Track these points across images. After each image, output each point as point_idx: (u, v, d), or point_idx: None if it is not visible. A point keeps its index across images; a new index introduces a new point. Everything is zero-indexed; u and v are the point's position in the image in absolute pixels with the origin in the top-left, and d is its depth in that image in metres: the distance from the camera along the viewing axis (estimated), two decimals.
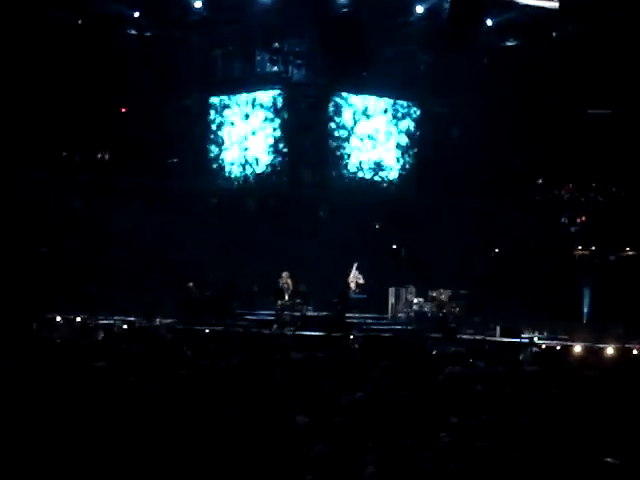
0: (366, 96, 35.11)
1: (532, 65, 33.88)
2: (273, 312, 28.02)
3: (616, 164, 32.99)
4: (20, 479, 10.23)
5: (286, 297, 28.24)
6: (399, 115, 35.71)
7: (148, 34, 34.14)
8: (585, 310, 29.26)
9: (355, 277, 28.77)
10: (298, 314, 27.81)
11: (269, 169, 34.78)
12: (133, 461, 10.84)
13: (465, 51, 32.34)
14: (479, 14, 29.78)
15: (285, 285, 28.51)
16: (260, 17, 32.34)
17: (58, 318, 25.55)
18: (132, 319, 26.05)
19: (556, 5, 31.28)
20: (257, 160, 34.94)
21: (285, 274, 28.50)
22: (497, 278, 30.12)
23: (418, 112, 35.94)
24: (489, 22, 31.95)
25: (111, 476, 10.46)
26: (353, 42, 29.84)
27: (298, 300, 28.35)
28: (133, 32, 34.09)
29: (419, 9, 31.44)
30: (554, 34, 32.93)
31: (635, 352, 23.21)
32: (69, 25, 32.98)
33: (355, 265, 28.93)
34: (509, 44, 34.19)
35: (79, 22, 33.09)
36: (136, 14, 33.11)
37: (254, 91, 34.88)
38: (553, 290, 28.89)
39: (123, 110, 35.25)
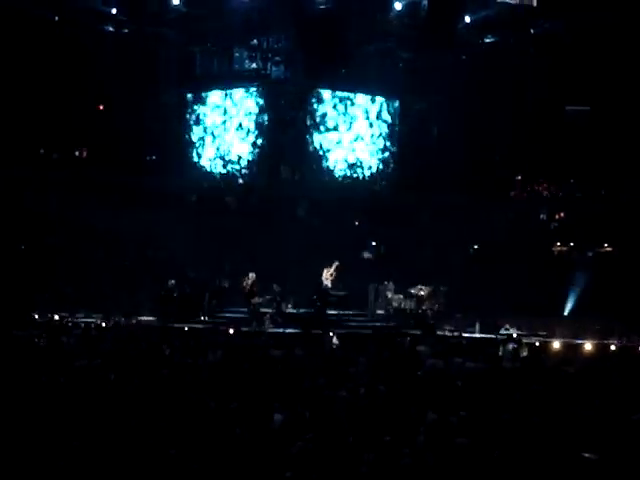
0: (345, 93, 35.13)
1: (510, 62, 33.98)
2: (248, 310, 27.87)
3: (594, 160, 33.12)
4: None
5: (256, 297, 27.95)
6: (378, 112, 35.76)
7: (125, 31, 33.99)
8: (564, 306, 29.37)
9: (329, 274, 28.48)
10: (273, 311, 27.68)
11: (248, 166, 34.76)
12: (114, 458, 10.85)
13: (444, 48, 32.39)
14: (457, 11, 29.89)
15: (248, 286, 28.14)
16: (239, 14, 32.29)
17: (36, 316, 25.46)
18: (110, 317, 25.98)
19: (534, 2, 31.47)
20: (236, 157, 34.90)
21: (251, 275, 28.08)
22: (476, 274, 30.18)
23: (397, 108, 36.02)
24: (467, 19, 32.02)
25: (94, 473, 10.47)
26: (332, 39, 29.90)
27: (268, 297, 28.17)
28: (110, 29, 33.93)
29: (398, 6, 31.48)
30: (532, 31, 33.01)
31: (613, 348, 23.39)
32: (46, 21, 32.82)
33: (336, 264, 28.74)
34: (487, 41, 34.29)
35: (56, 18, 32.90)
36: (113, 10, 32.93)
37: (233, 88, 34.85)
38: (532, 286, 28.98)
39: (101, 107, 35.06)
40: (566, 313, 29.33)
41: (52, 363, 16.58)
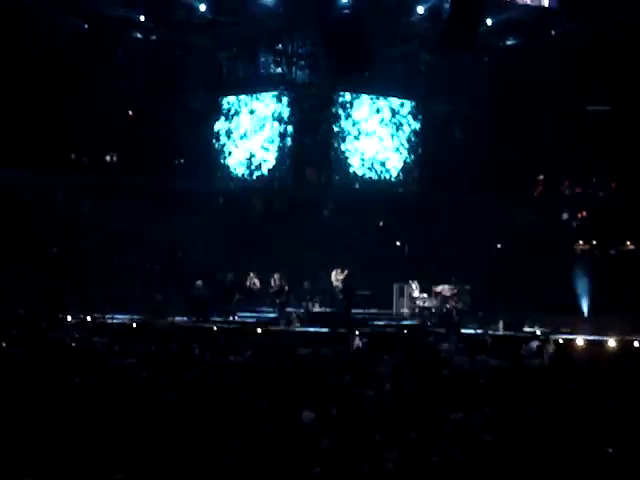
0: (369, 96, 35.52)
1: (532, 63, 34.20)
2: (277, 309, 28.28)
3: (616, 160, 33.27)
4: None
5: (283, 297, 28.34)
6: (401, 114, 36.15)
7: (154, 37, 34.48)
8: (587, 304, 29.43)
9: (338, 277, 28.67)
10: (300, 311, 28.07)
11: (274, 169, 35.19)
12: (147, 455, 11.18)
13: (466, 50, 32.60)
14: (479, 14, 30.09)
15: (276, 286, 28.56)
16: (263, 19, 32.70)
17: (69, 318, 25.86)
18: (141, 317, 26.37)
19: (554, 4, 31.68)
20: (262, 160, 35.35)
21: (278, 275, 28.53)
22: (500, 273, 30.36)
23: (420, 111, 36.37)
24: (489, 22, 32.24)
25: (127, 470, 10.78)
26: (355, 43, 30.10)
27: (295, 297, 28.54)
28: (139, 36, 34.44)
29: (420, 9, 31.75)
30: (553, 32, 33.20)
31: (637, 344, 23.48)
32: (76, 29, 33.38)
33: (346, 271, 28.81)
34: (509, 43, 34.53)
35: (86, 26, 33.46)
36: (142, 18, 33.44)
37: (258, 92, 35.30)
38: (555, 284, 29.12)
39: (130, 112, 35.59)
40: (589, 311, 29.39)
41: (85, 363, 16.96)
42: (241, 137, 35.89)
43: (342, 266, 28.40)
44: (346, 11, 30.39)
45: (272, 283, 28.16)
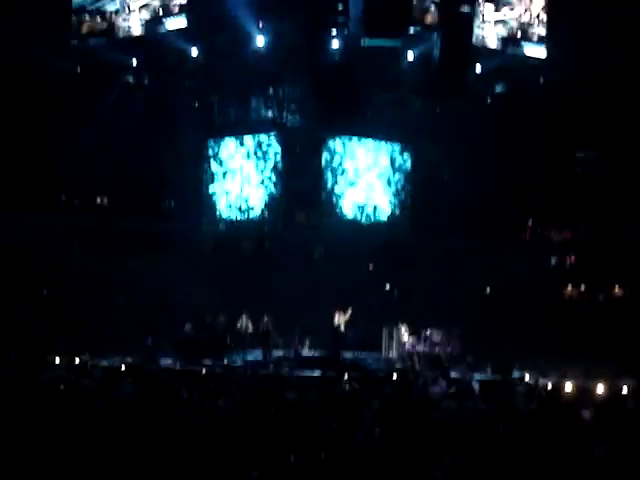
0: (359, 139, 35.80)
1: (521, 109, 34.50)
2: (265, 353, 28.29)
3: (605, 205, 33.50)
4: None
5: (272, 340, 28.44)
6: (392, 158, 36.44)
7: (145, 81, 34.64)
8: (575, 348, 29.47)
9: (343, 319, 28.87)
10: (288, 354, 28.10)
11: (264, 212, 35.32)
12: None
13: (455, 96, 32.88)
14: (468, 61, 30.38)
15: (264, 329, 28.75)
16: (255, 64, 32.92)
17: (57, 360, 25.81)
18: (130, 360, 26.34)
19: (543, 54, 32.10)
20: (252, 203, 35.47)
21: (267, 318, 28.78)
22: (489, 317, 30.43)
23: (410, 155, 36.66)
24: (478, 68, 32.55)
25: None
26: (346, 88, 30.34)
27: (284, 340, 28.61)
28: (130, 80, 34.60)
29: (410, 56, 32.02)
30: (542, 80, 33.53)
31: (625, 391, 23.50)
32: (68, 73, 33.56)
33: (350, 311, 29.08)
34: (498, 89, 34.85)
35: (78, 70, 33.65)
36: (134, 62, 33.61)
37: (250, 135, 35.51)
38: (543, 329, 29.21)
39: (121, 155, 35.68)
40: (578, 355, 29.43)
41: (72, 406, 16.92)
42: (232, 180, 36.02)
43: (332, 309, 28.50)
44: (336, 57, 30.64)
45: (261, 326, 28.22)
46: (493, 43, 31.76)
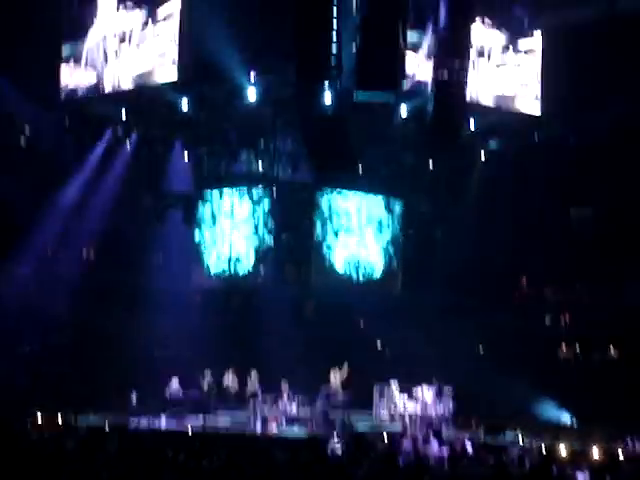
0: (351, 193, 35.61)
1: (515, 166, 34.52)
2: (253, 411, 27.83)
3: (599, 263, 33.34)
4: None
5: (259, 398, 28.01)
6: (384, 213, 36.20)
7: (134, 134, 34.47)
8: (570, 410, 29.23)
9: (339, 378, 28.56)
10: (277, 412, 27.65)
11: (254, 266, 34.95)
12: None
13: (449, 151, 32.84)
14: (462, 117, 30.30)
15: (252, 386, 28.45)
16: (245, 117, 32.80)
17: (39, 418, 25.38)
18: (115, 418, 25.93)
19: (537, 112, 32.15)
20: (241, 257, 35.12)
21: (255, 375, 28.54)
22: (481, 376, 30.12)
23: (403, 210, 36.47)
24: (472, 125, 32.51)
25: None
26: (338, 142, 30.23)
27: (272, 398, 28.23)
28: (119, 132, 34.41)
29: (403, 111, 31.96)
30: (536, 138, 33.54)
31: (620, 455, 23.11)
32: (56, 124, 33.41)
33: (346, 366, 28.81)
34: (492, 145, 34.82)
35: (66, 123, 33.48)
36: (123, 114, 33.43)
37: (240, 188, 35.28)
38: (537, 389, 28.96)
39: (107, 207, 35.42)
40: (572, 418, 29.16)
41: (54, 467, 16.46)
42: (221, 233, 35.72)
43: (323, 367, 28.24)
44: (328, 111, 30.56)
45: (249, 384, 27.83)
46: (487, 99, 31.71)
